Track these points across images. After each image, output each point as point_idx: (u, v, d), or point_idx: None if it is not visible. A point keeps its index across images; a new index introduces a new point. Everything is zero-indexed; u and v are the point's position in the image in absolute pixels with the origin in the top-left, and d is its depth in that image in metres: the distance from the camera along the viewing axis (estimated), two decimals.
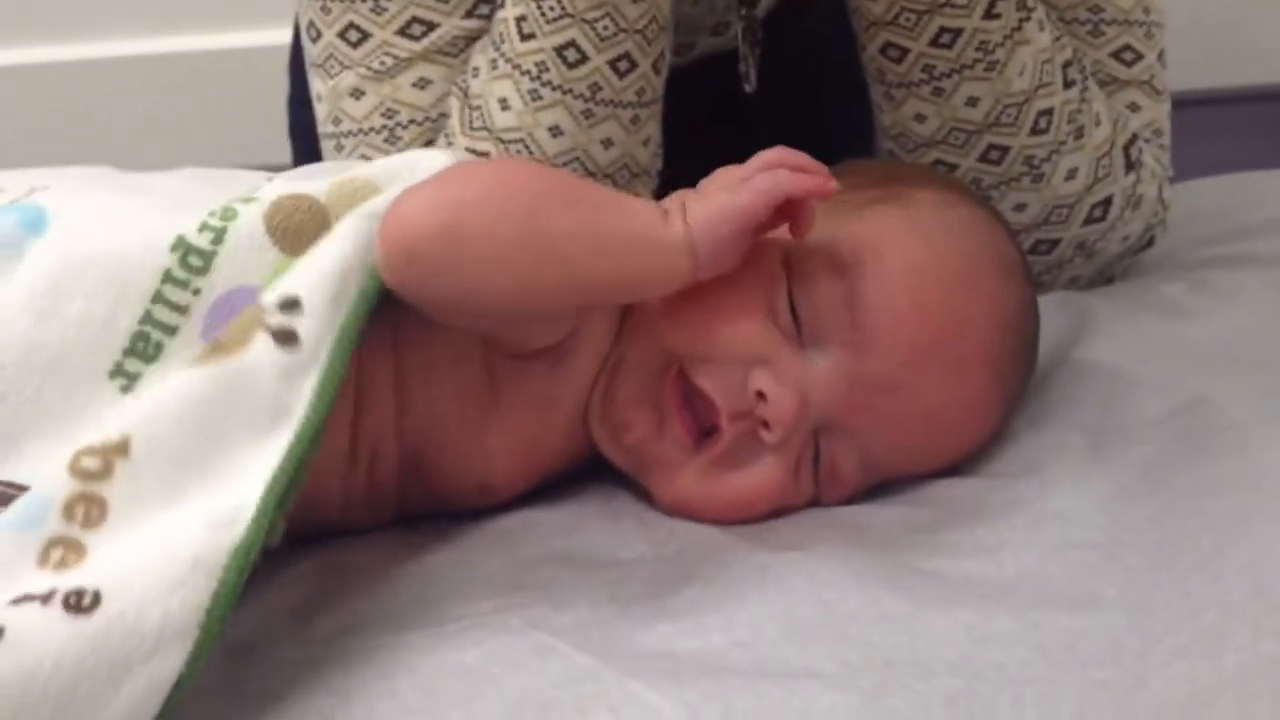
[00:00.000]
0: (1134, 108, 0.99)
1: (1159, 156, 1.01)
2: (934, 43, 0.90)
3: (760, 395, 0.70)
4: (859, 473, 0.73)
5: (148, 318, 0.65)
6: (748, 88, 0.99)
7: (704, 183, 0.72)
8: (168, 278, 0.65)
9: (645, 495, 0.74)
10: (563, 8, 0.86)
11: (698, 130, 0.96)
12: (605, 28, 0.87)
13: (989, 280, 0.74)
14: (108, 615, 0.55)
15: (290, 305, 0.64)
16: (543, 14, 0.87)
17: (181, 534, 0.58)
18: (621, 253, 0.69)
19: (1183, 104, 1.05)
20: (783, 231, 0.72)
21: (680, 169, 0.86)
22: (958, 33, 0.89)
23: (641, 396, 0.72)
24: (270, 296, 0.65)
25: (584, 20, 0.86)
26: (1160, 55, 1.00)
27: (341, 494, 0.72)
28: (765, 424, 0.70)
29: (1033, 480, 0.72)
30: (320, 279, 0.65)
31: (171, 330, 0.65)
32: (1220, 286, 0.97)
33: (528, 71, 0.88)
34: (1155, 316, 0.92)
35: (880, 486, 0.74)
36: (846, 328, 0.71)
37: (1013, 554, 0.66)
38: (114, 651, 0.54)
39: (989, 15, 0.89)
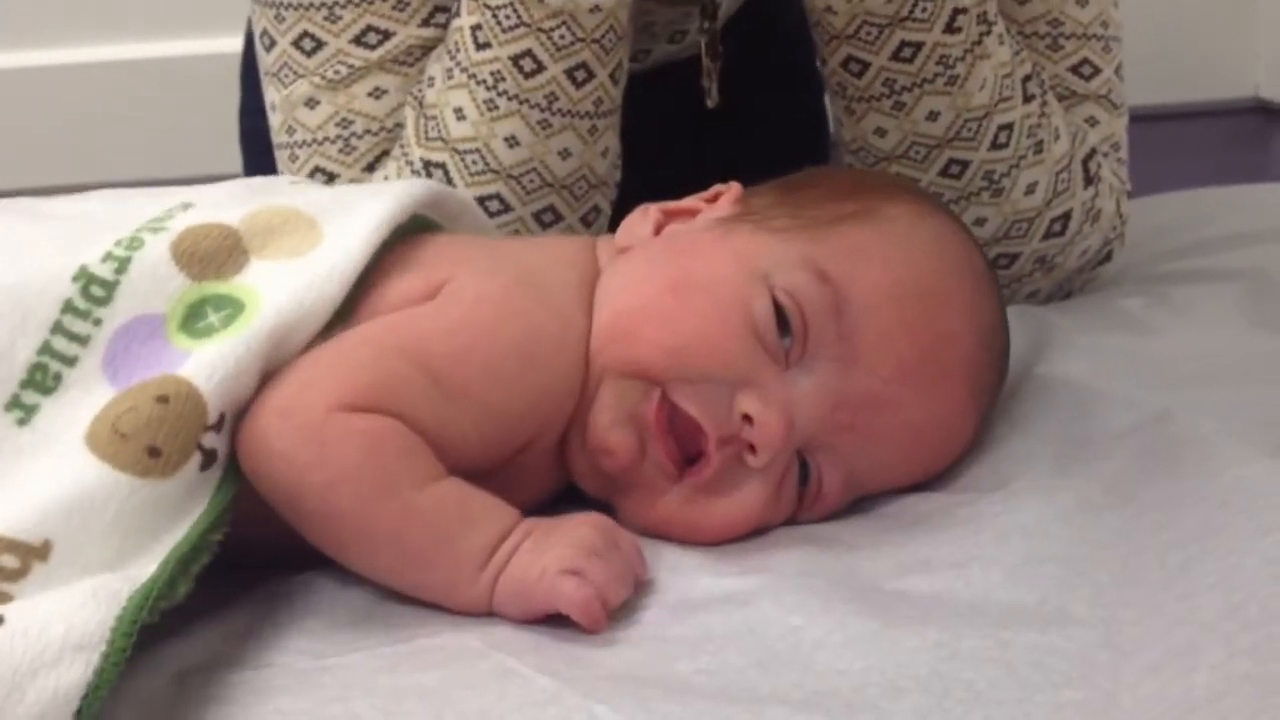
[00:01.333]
0: (1092, 121, 0.99)
1: (1117, 170, 1.01)
2: (895, 57, 0.90)
3: (746, 418, 0.68)
4: (843, 491, 0.72)
5: (46, 348, 0.64)
6: (710, 103, 0.98)
7: (558, 527, 0.66)
8: (68, 308, 0.65)
9: (612, 514, 0.73)
10: (519, 17, 0.85)
11: (655, 137, 0.95)
12: (562, 37, 0.86)
13: (966, 293, 0.73)
14: (10, 630, 0.55)
15: (221, 425, 0.64)
16: (498, 23, 0.86)
17: (87, 584, 0.58)
18: (416, 589, 0.65)
19: (1136, 119, 1.06)
20: (762, 240, 0.71)
21: (639, 175, 0.85)
22: (918, 47, 0.89)
23: (621, 419, 0.69)
24: (212, 405, 0.63)
25: (540, 30, 0.85)
26: (1118, 69, 1.01)
27: (278, 533, 0.70)
28: (751, 448, 0.68)
29: (998, 495, 0.72)
30: (248, 390, 0.64)
31: (71, 361, 0.64)
32: (1178, 301, 0.97)
33: (483, 81, 0.87)
34: (1116, 331, 0.92)
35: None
36: (831, 343, 0.69)
37: (980, 570, 0.65)
38: (15, 661, 0.54)
39: (950, 29, 0.89)
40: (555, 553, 0.64)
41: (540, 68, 0.86)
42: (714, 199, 0.78)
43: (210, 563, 0.63)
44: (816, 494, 0.71)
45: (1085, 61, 0.98)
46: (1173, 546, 0.64)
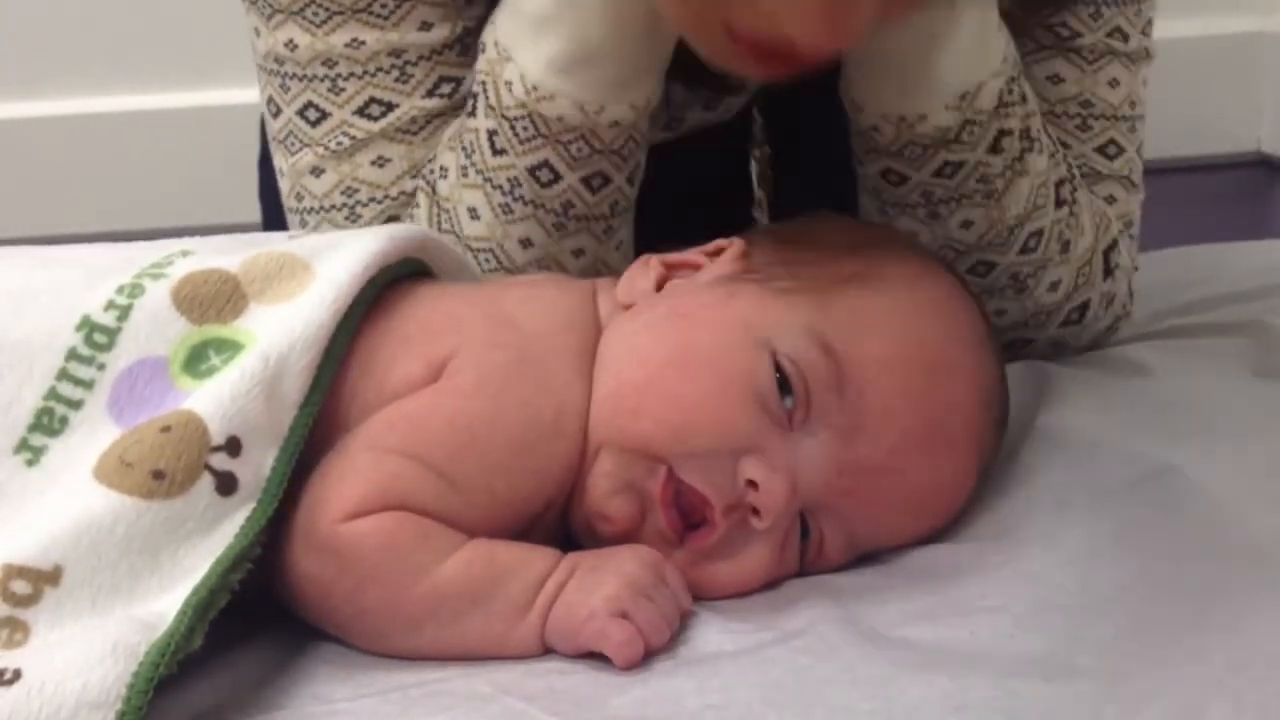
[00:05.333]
0: (1110, 200, 0.98)
1: (1129, 249, 1.00)
2: (936, 174, 0.88)
3: (750, 483, 0.68)
4: (845, 550, 0.72)
5: (52, 394, 0.66)
6: (760, 217, 0.96)
7: (605, 562, 0.67)
8: (72, 355, 0.66)
9: None
10: (536, 129, 0.84)
11: (682, 202, 0.95)
12: (579, 150, 0.85)
13: (968, 358, 0.73)
14: (28, 685, 0.56)
15: (233, 447, 0.64)
16: (515, 134, 0.85)
17: (104, 628, 0.59)
18: (466, 654, 0.66)
19: None
20: (766, 304, 0.71)
21: (659, 237, 0.84)
22: (960, 165, 0.88)
23: (620, 488, 0.69)
24: (215, 428, 0.64)
25: (558, 142, 0.84)
26: (1139, 148, 1.00)
27: None
28: (755, 511, 0.68)
29: (1001, 544, 0.72)
30: (256, 414, 0.65)
31: (76, 404, 0.66)
32: (1181, 353, 0.98)
33: (499, 186, 0.86)
34: (1118, 381, 0.92)
35: None
36: (834, 412, 0.69)
37: (986, 619, 0.65)
38: (32, 718, 0.55)
39: (993, 150, 0.88)
40: (604, 591, 0.65)
41: (557, 177, 0.85)
42: (716, 253, 0.78)
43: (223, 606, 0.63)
44: (818, 553, 0.71)
45: (1111, 142, 0.97)
46: (1179, 601, 0.64)
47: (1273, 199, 1.74)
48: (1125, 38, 0.96)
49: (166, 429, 0.64)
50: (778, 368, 0.69)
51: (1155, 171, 1.06)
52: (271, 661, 0.66)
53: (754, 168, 0.99)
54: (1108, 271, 0.97)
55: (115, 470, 0.63)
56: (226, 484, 0.64)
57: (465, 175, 0.88)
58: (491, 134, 0.86)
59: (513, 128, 0.85)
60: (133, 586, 0.61)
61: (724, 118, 1.01)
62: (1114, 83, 0.97)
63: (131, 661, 0.57)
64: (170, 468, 0.63)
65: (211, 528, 0.64)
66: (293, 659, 0.66)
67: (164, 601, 0.61)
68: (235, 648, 0.66)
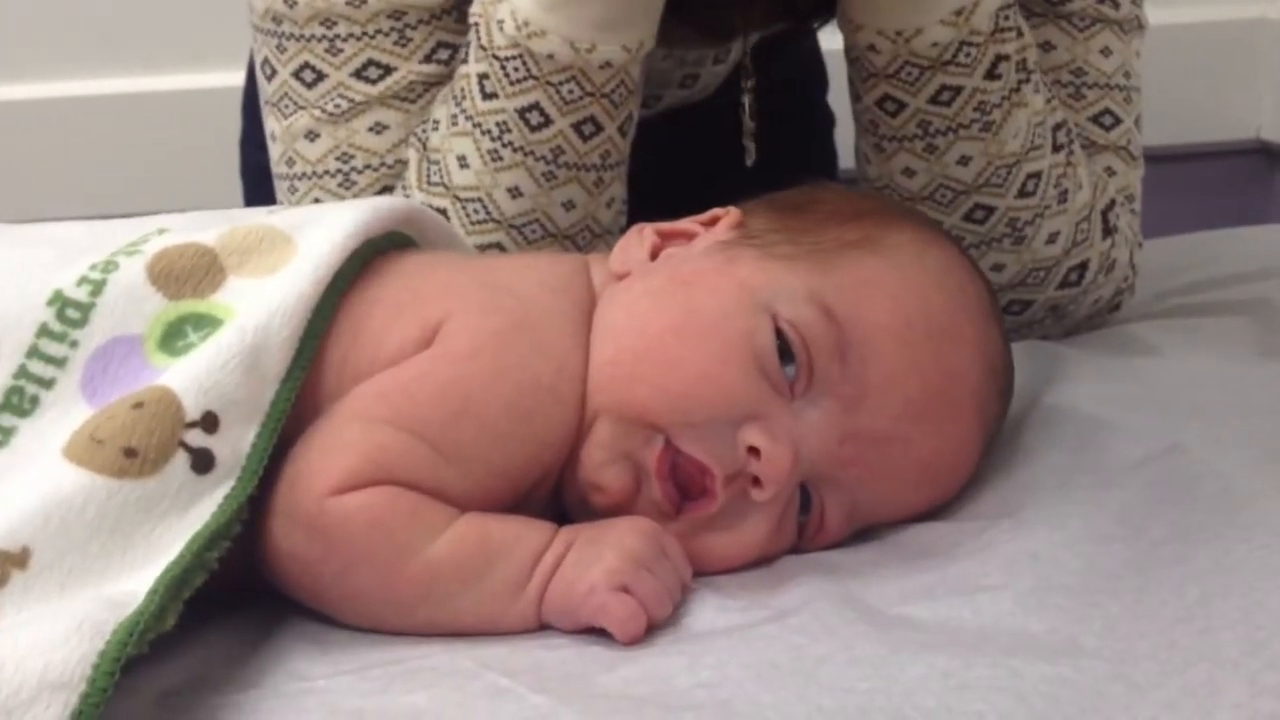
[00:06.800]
0: (1109, 172, 0.98)
1: (1131, 222, 1.00)
2: (933, 99, 0.88)
3: (752, 451, 0.66)
4: (845, 523, 0.70)
5: (22, 372, 0.64)
6: (749, 161, 0.96)
7: (603, 534, 0.65)
8: (43, 332, 0.64)
9: None
10: (527, 70, 0.83)
11: (665, 179, 0.93)
12: (570, 92, 0.84)
13: (973, 326, 0.71)
14: None
15: (210, 423, 0.62)
16: (506, 75, 0.84)
17: (71, 608, 0.56)
18: (459, 631, 0.64)
19: None
20: (767, 268, 0.69)
21: (643, 215, 0.83)
22: (958, 91, 0.88)
23: (616, 458, 0.67)
24: (190, 402, 0.62)
25: (549, 83, 0.83)
26: (1137, 120, 1.00)
27: None
28: (755, 481, 0.66)
29: (1005, 523, 0.70)
30: (234, 388, 0.63)
31: (48, 384, 0.64)
32: (1186, 333, 0.97)
33: (488, 131, 0.85)
34: (1123, 361, 0.90)
35: None
36: (837, 380, 0.67)
37: (988, 598, 0.63)
38: None
39: (990, 75, 0.88)
40: (603, 565, 0.63)
41: (547, 121, 0.84)
42: (712, 222, 0.76)
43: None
44: (818, 526, 0.69)
45: (1106, 111, 0.97)
46: (1189, 580, 0.62)
47: (1272, 186, 1.73)
48: (1115, 4, 0.96)
49: (139, 405, 0.62)
50: (779, 333, 0.67)
51: (1154, 159, 1.06)
52: (246, 637, 0.64)
53: (745, 99, 0.98)
54: (1106, 232, 0.96)
55: (86, 448, 0.61)
56: (202, 461, 0.62)
57: (455, 124, 0.86)
58: (482, 78, 0.85)
59: (503, 68, 0.84)
60: (104, 568, 0.59)
61: (701, 96, 1.00)
62: (1106, 51, 0.96)
63: (98, 640, 0.55)
64: (142, 445, 0.61)
65: (187, 507, 0.61)
66: (268, 635, 0.64)
67: (135, 580, 0.59)
68: (207, 623, 0.64)
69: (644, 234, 0.76)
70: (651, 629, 0.62)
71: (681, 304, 0.69)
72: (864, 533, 0.71)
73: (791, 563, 0.68)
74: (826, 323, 0.68)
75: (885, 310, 0.69)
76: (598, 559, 0.63)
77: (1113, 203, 0.97)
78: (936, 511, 0.72)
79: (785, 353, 0.67)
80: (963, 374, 0.70)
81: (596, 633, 0.62)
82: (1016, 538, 0.68)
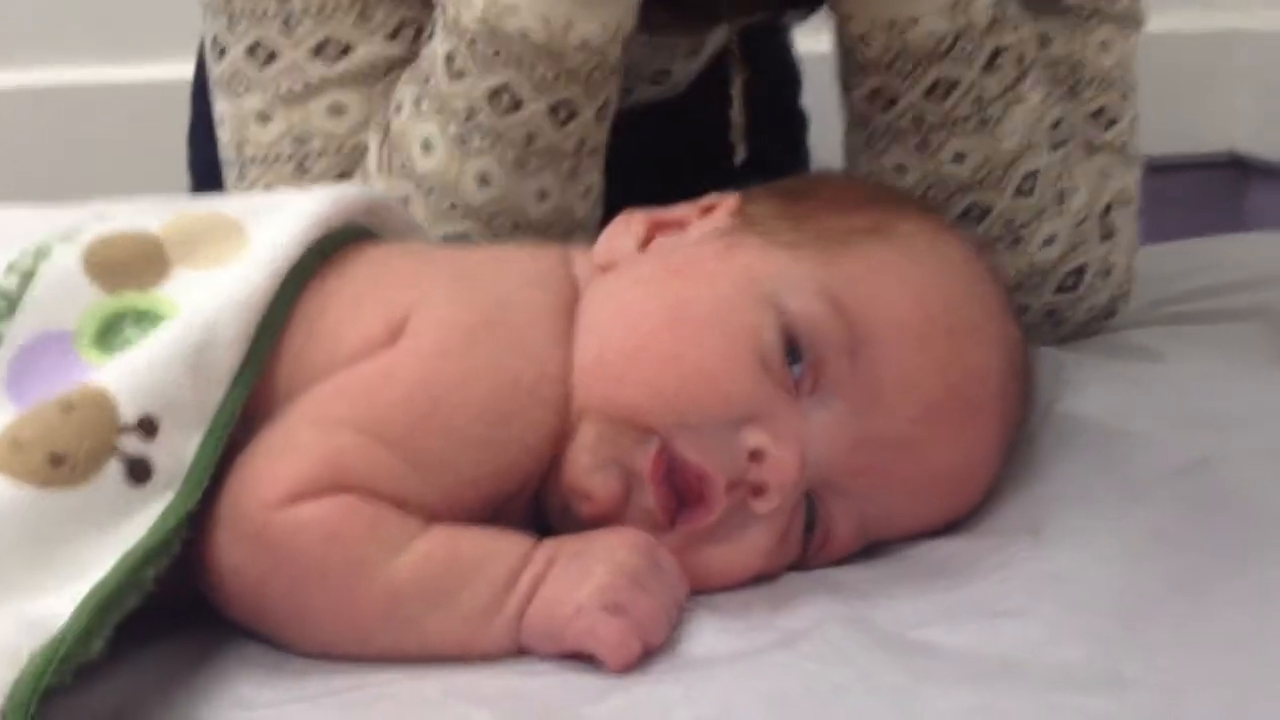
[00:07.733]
0: (1106, 174, 0.94)
1: (1129, 226, 0.96)
2: (928, 94, 0.83)
3: (755, 455, 0.60)
4: (853, 538, 0.64)
5: None
6: (738, 159, 0.92)
7: (589, 548, 0.58)
8: None
9: None
10: (495, 48, 0.77)
11: (638, 176, 0.88)
12: (544, 73, 0.77)
13: (994, 321, 0.66)
14: None
15: (148, 428, 0.56)
16: (473, 54, 0.77)
17: None
18: (425, 658, 0.57)
19: None
20: (771, 256, 0.64)
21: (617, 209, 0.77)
22: (954, 84, 0.83)
23: (604, 463, 0.61)
24: (126, 404, 0.56)
25: (521, 64, 0.77)
26: (1133, 121, 0.96)
27: None
28: (758, 489, 0.60)
29: (1024, 539, 0.64)
30: (177, 389, 0.57)
31: None
32: (1191, 339, 0.92)
33: (455, 113, 0.78)
34: (1131, 368, 0.85)
35: None
36: (847, 379, 0.61)
37: (1014, 623, 0.57)
38: None
39: (988, 69, 0.83)
40: (592, 582, 0.56)
41: (519, 104, 0.78)
42: (707, 210, 0.70)
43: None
44: (824, 541, 0.63)
45: (1103, 110, 0.93)
46: (1236, 605, 0.57)
47: (1245, 200, 1.70)
48: None
49: (69, 407, 0.56)
50: (785, 327, 0.61)
51: None
52: (187, 659, 0.57)
53: (734, 87, 0.93)
54: (1105, 235, 0.92)
55: (6, 453, 0.54)
56: (139, 470, 0.56)
57: (419, 106, 0.80)
58: (449, 57, 0.78)
59: (471, 46, 0.77)
60: (25, 586, 0.53)
61: (672, 94, 0.96)
62: (1105, 45, 0.92)
63: (12, 669, 0.49)
64: (71, 451, 0.55)
65: (121, 520, 0.55)
66: (210, 658, 0.58)
67: (60, 600, 0.53)
68: (146, 645, 0.57)
69: (632, 222, 0.69)
70: (645, 654, 0.56)
71: (676, 295, 0.63)
72: (871, 548, 0.65)
73: (795, 580, 0.62)
74: (836, 317, 0.62)
75: (901, 304, 0.63)
76: (585, 575, 0.56)
77: (1110, 206, 0.93)
78: (950, 526, 0.66)
79: (792, 349, 0.61)
80: (985, 374, 0.64)
81: (581, 658, 0.56)
82: (1037, 556, 0.62)
